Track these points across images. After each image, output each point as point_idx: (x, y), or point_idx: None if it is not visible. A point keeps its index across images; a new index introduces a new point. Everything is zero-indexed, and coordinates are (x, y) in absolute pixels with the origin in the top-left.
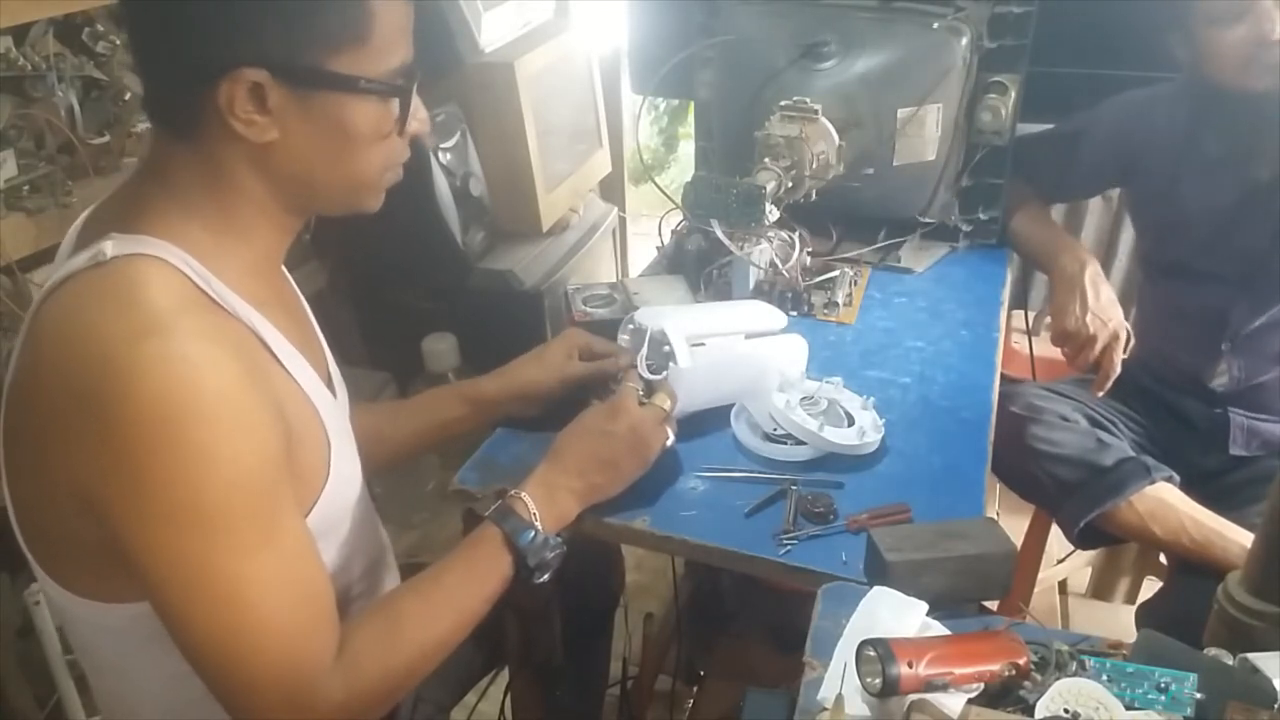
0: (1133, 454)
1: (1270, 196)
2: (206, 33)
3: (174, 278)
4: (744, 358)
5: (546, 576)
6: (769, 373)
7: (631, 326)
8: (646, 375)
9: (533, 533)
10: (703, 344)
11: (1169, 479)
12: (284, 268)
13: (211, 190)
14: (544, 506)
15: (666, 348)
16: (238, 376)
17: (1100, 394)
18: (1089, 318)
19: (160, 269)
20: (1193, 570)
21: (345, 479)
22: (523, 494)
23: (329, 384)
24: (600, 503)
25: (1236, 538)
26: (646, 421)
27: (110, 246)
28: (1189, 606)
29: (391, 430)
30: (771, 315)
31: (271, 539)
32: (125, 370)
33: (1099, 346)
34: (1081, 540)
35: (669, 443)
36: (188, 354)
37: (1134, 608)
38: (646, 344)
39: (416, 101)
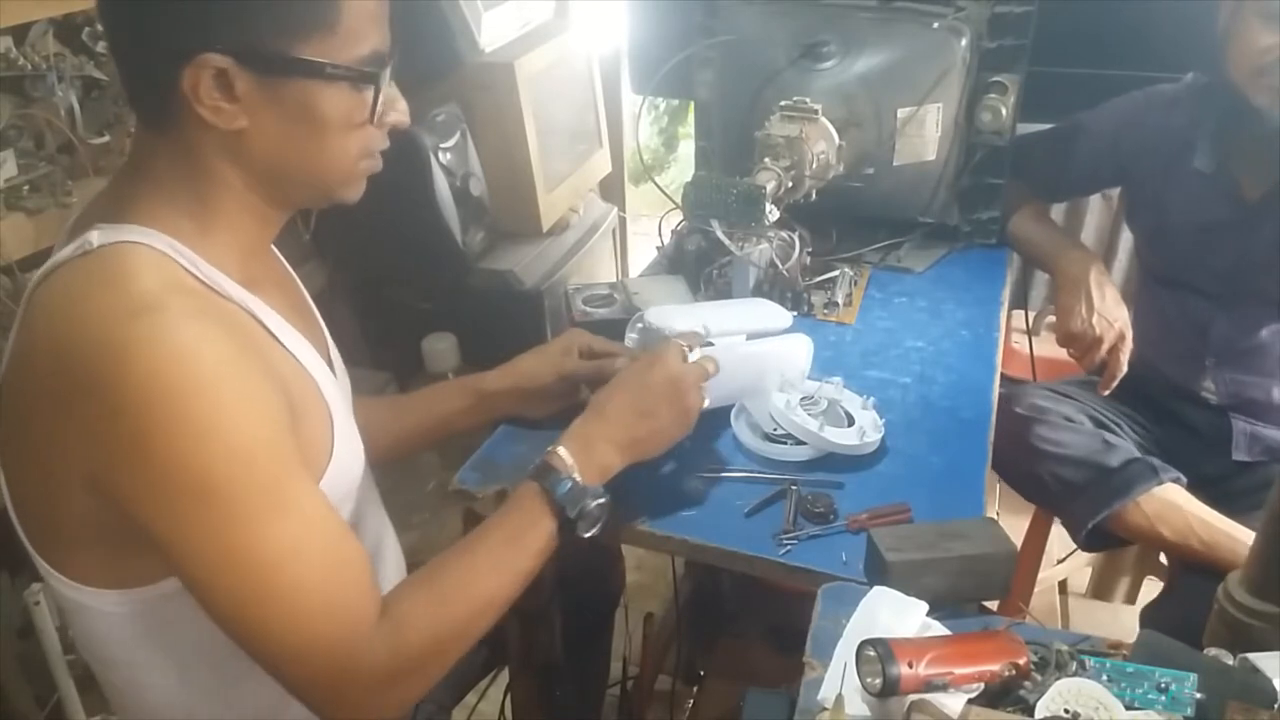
0: (1139, 455)
1: (1256, 218)
2: (170, 19)
3: (161, 261)
4: (754, 356)
5: (596, 529)
6: (773, 372)
7: (640, 325)
8: None
9: (570, 483)
10: (711, 343)
11: (1176, 480)
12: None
13: (190, 181)
14: (581, 457)
15: None
16: (233, 350)
17: (1105, 393)
18: (1095, 319)
19: (147, 254)
20: (1196, 571)
21: (349, 455)
22: (559, 448)
23: (329, 363)
24: (646, 460)
25: (1246, 539)
26: (686, 376)
27: (96, 236)
28: (1194, 609)
29: (392, 423)
30: (778, 314)
31: (287, 506)
32: (120, 350)
33: (1105, 347)
34: (1089, 542)
35: (706, 404)
36: (181, 330)
37: (1134, 608)
38: None
39: (395, 92)
